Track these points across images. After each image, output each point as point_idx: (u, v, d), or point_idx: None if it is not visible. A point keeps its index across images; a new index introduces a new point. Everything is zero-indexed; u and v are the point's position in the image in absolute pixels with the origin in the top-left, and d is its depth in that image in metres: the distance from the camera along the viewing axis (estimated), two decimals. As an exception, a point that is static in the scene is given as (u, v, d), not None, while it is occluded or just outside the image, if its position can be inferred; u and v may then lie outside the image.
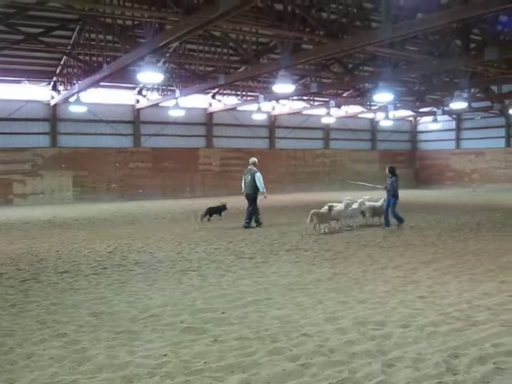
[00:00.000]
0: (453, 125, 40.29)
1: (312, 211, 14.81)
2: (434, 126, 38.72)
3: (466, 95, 27.59)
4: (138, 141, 30.49)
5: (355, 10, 15.43)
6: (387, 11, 12.92)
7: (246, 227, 16.08)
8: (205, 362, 5.22)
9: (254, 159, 16.69)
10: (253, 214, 16.45)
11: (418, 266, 9.96)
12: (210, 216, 18.49)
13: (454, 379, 4.78)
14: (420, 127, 43.03)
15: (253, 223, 16.52)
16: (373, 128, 40.60)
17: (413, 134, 43.28)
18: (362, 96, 29.89)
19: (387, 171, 16.18)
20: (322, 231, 14.91)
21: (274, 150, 35.40)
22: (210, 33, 19.03)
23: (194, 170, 32.17)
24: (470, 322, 6.44)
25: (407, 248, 12.13)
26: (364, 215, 16.33)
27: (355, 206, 15.74)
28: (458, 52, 17.71)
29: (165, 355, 5.41)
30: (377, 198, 16.76)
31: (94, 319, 6.70)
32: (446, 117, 38.82)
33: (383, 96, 21.54)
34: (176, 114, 28.38)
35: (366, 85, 27.60)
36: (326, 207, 14.87)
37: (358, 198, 16.27)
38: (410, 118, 42.13)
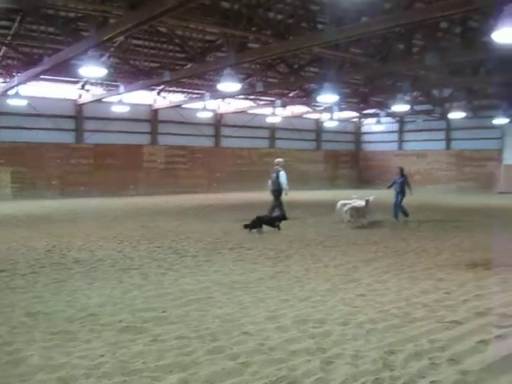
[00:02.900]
0: (395, 127, 41.16)
1: (349, 206, 16.04)
2: (377, 127, 39.51)
3: (408, 98, 28.23)
4: (81, 136, 29.86)
5: (302, 11, 15.55)
6: (332, 14, 13.09)
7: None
8: (143, 362, 5.14)
9: (279, 159, 17.84)
10: (275, 208, 17.37)
11: (359, 265, 10.12)
12: (260, 227, 14.76)
13: (390, 375, 4.86)
14: (364, 128, 43.78)
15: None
16: (318, 128, 41.03)
17: (357, 135, 43.99)
18: (307, 96, 30.15)
19: (397, 171, 18.13)
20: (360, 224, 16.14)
21: (220, 149, 35.34)
22: (155, 28, 18.78)
23: (138, 167, 31.71)
24: (408, 319, 6.58)
25: (349, 247, 12.31)
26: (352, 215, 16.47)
27: (362, 203, 16.50)
28: (400, 56, 18.09)
29: (102, 355, 5.29)
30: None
31: (30, 319, 6.49)
32: (389, 119, 39.63)
33: (328, 97, 21.77)
34: (120, 109, 27.87)
35: (312, 85, 27.83)
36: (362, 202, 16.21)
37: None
38: (355, 120, 42.80)
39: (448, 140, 38.13)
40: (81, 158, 29.70)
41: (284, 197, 17.51)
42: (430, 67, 19.00)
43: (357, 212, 16.24)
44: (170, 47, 20.56)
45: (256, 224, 14.58)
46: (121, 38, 18.06)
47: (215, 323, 6.36)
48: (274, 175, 17.47)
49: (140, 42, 20.09)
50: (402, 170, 18.30)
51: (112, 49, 20.23)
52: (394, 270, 9.70)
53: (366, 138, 43.75)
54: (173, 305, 7.17)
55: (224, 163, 35.10)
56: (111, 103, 27.97)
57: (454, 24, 16.76)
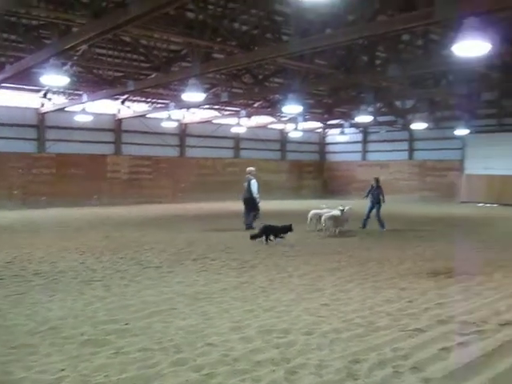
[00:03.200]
0: (359, 137, 41.58)
1: (328, 215, 16.39)
2: (341, 138, 39.76)
3: (371, 109, 28.57)
4: (43, 146, 29.36)
5: (266, 23, 15.63)
6: (297, 25, 13.18)
7: (249, 227, 17.33)
8: (105, 376, 5.06)
9: (251, 168, 18.49)
10: (254, 216, 17.85)
11: (324, 274, 10.16)
12: (267, 237, 14.52)
13: (354, 384, 4.89)
14: (328, 139, 44.09)
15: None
16: (282, 139, 41.18)
17: (321, 145, 44.27)
18: (272, 107, 30.25)
19: (374, 182, 18.67)
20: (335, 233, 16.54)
21: (185, 159, 35.17)
22: (119, 38, 18.65)
23: (102, 177, 31.29)
24: (371, 328, 6.63)
25: (313, 256, 12.35)
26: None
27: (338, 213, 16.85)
28: (364, 67, 18.32)
29: (63, 369, 5.20)
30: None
31: (-12, 333, 6.35)
32: (352, 129, 39.95)
33: (292, 107, 21.89)
34: (83, 119, 27.55)
35: (276, 96, 27.95)
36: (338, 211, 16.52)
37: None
38: (319, 130, 43.10)
39: (411, 150, 38.65)
40: (43, 168, 29.19)
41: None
42: (392, 79, 19.28)
43: (335, 221, 16.51)
44: (135, 56, 20.43)
45: (263, 233, 14.46)
46: (84, 47, 17.84)
47: (179, 335, 6.30)
48: (246, 184, 17.90)
49: (104, 51, 19.88)
50: (378, 180, 18.79)
51: (75, 57, 19.98)
52: (358, 279, 9.77)
53: (330, 148, 44.06)
54: (136, 317, 7.08)
55: (188, 173, 34.93)
56: (74, 112, 27.62)
57: (416, 36, 17.04)
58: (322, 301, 8.01)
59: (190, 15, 15.12)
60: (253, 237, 14.53)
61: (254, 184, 17.69)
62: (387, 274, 10.29)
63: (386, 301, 8.08)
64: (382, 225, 18.25)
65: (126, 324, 6.73)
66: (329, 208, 17.59)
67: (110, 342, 6.03)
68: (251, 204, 17.87)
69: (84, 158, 30.36)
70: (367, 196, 18.92)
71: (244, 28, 15.23)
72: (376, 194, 18.50)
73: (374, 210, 18.48)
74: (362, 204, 19.33)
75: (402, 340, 6.17)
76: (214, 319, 6.98)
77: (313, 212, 17.43)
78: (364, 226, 18.33)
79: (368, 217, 18.52)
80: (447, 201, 34.65)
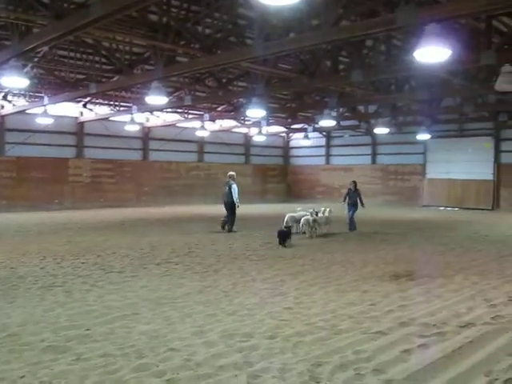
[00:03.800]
0: (323, 141, 41.83)
1: (311, 218, 16.87)
2: (305, 142, 39.92)
3: (334, 114, 28.82)
4: (2, 149, 28.72)
5: (230, 26, 15.63)
6: (260, 29, 13.20)
7: (230, 231, 18.07)
8: (65, 382, 5.00)
9: (231, 173, 19.03)
10: (234, 220, 18.37)
11: (287, 278, 10.18)
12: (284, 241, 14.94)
13: (316, 388, 4.90)
14: (292, 143, 44.24)
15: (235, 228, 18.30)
16: (246, 142, 41.19)
17: (285, 149, 44.42)
18: (235, 111, 30.27)
19: (351, 186, 19.32)
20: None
21: (148, 162, 34.88)
22: (81, 39, 18.42)
23: (64, 180, 30.78)
24: (334, 331, 6.66)
25: (277, 260, 12.37)
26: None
27: (321, 215, 17.64)
28: (327, 72, 18.45)
29: (22, 377, 5.10)
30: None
31: None
32: (316, 134, 40.20)
33: (256, 111, 21.92)
34: (44, 121, 27.11)
35: (240, 100, 27.97)
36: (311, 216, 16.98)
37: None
38: (283, 134, 43.22)
39: (374, 155, 39.06)
40: (2, 172, 28.57)
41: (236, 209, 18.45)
42: (355, 84, 19.48)
43: (313, 224, 17.03)
44: (97, 59, 20.18)
45: (282, 237, 14.86)
46: (45, 48, 17.60)
47: (141, 340, 6.24)
48: (227, 188, 18.46)
49: (65, 53, 19.62)
50: (355, 184, 19.48)
51: (36, 59, 19.67)
52: (321, 282, 9.82)
53: (294, 152, 44.23)
54: (97, 322, 6.99)
55: (152, 177, 34.65)
56: (35, 115, 27.14)
57: (379, 42, 17.25)
58: (285, 304, 8.03)
59: (154, 18, 15.03)
60: (282, 241, 14.81)
61: (235, 189, 18.23)
62: (350, 277, 10.37)
63: (348, 304, 8.14)
64: (352, 227, 18.89)
65: (88, 330, 6.64)
66: (305, 211, 17.84)
67: (70, 349, 5.93)
68: (232, 208, 18.31)
69: (45, 162, 29.82)
70: (345, 200, 19.56)
71: (207, 31, 15.19)
72: (353, 197, 19.11)
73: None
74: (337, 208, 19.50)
75: (364, 343, 6.22)
76: (177, 324, 6.93)
77: (289, 215, 17.47)
78: (351, 228, 18.96)
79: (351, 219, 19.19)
80: (409, 205, 35.14)
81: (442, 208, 34.04)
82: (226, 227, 18.40)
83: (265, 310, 7.69)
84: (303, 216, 17.32)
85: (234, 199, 18.13)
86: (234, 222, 18.48)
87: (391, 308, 7.89)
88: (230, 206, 18.37)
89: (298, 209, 18.73)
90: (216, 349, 5.93)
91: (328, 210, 18.07)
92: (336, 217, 18.96)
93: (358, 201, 19.11)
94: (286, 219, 17.18)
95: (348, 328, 6.81)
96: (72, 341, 6.20)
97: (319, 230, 17.53)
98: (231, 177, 18.83)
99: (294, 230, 16.47)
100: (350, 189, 19.41)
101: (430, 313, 7.64)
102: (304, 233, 17.10)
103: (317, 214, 17.32)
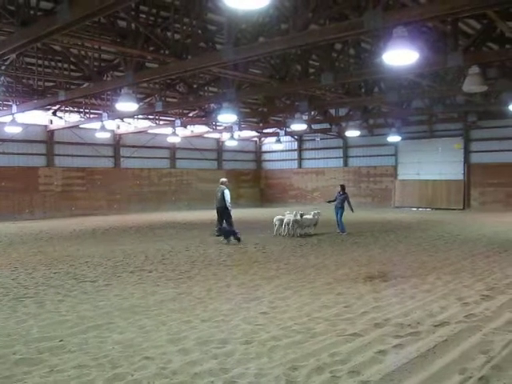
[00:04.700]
0: (295, 145, 42.01)
1: (292, 219, 18.19)
2: (277, 146, 40.00)
3: (305, 117, 28.92)
4: (-29, 159, 28.36)
5: (199, 31, 15.59)
6: (229, 34, 13.18)
7: (218, 235, 17.83)
8: (38, 395, 4.90)
9: (223, 179, 19.48)
10: (232, 223, 18.59)
11: (261, 283, 10.17)
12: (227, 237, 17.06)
13: (293, 392, 4.90)
14: (264, 147, 44.33)
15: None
16: (219, 148, 41.13)
17: (257, 153, 44.47)
18: (207, 116, 30.18)
19: (339, 188, 20.09)
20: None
21: (119, 170, 34.61)
22: (49, 46, 18.21)
23: (34, 190, 30.38)
24: (310, 334, 6.67)
25: (251, 265, 12.34)
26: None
27: (309, 217, 18.82)
28: (297, 76, 18.52)
29: (-7, 391, 5.00)
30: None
31: None
32: (288, 137, 40.41)
33: (227, 116, 21.92)
34: (13, 130, 26.68)
35: (211, 105, 27.92)
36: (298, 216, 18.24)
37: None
38: (255, 139, 43.29)
39: (345, 157, 39.31)
40: (-29, 181, 28.16)
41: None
42: (326, 87, 19.58)
43: (293, 224, 18.28)
44: (65, 66, 19.98)
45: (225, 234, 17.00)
46: (12, 56, 17.37)
47: (115, 349, 6.17)
48: (220, 194, 18.70)
49: (33, 60, 19.39)
50: (343, 187, 20.19)
51: (3, 67, 19.41)
52: (295, 286, 9.83)
53: (266, 156, 44.32)
54: (71, 332, 6.89)
55: (124, 184, 34.40)
56: (3, 123, 26.75)
57: (348, 46, 17.36)
58: (260, 309, 8.02)
59: (122, 24, 14.92)
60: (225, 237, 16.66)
61: (227, 194, 18.55)
62: (324, 280, 10.40)
63: (323, 306, 8.17)
64: (342, 229, 19.43)
65: (61, 341, 6.54)
66: (292, 214, 18.67)
67: (43, 360, 5.84)
68: (226, 213, 18.58)
69: (15, 171, 29.41)
70: (332, 201, 20.38)
71: (177, 37, 15.13)
72: (340, 200, 19.68)
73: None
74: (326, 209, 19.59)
75: (339, 345, 6.24)
76: (152, 332, 6.87)
77: (277, 217, 18.98)
78: (343, 230, 19.40)
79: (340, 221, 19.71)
80: (382, 206, 35.49)
81: (414, 209, 34.42)
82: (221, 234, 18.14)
83: (240, 315, 7.66)
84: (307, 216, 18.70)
85: (227, 203, 18.41)
86: (232, 224, 18.69)
87: (366, 309, 7.93)
88: (223, 211, 18.64)
89: (287, 212, 19.42)
90: (191, 356, 5.89)
91: (316, 212, 19.12)
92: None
93: (346, 204, 19.65)
94: (274, 221, 18.91)
95: (323, 331, 6.82)
96: (45, 353, 6.10)
97: (301, 230, 18.57)
98: (223, 183, 19.19)
99: (284, 233, 18.50)
100: (339, 192, 20.07)
101: (404, 313, 7.70)
102: (289, 234, 18.42)
103: (301, 216, 18.26)
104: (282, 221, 18.77)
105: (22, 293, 9.55)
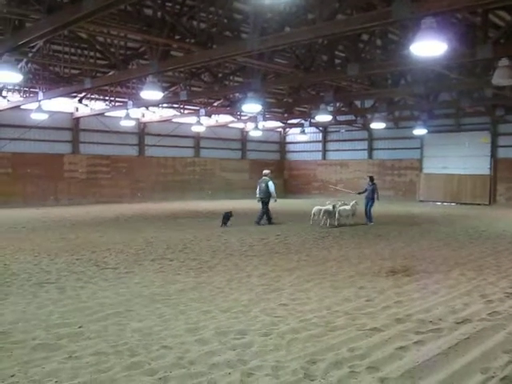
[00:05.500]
0: (319, 137, 41.76)
1: (323, 209, 18.90)
2: (301, 137, 39.83)
3: (331, 109, 28.71)
4: (-3, 145, 28.68)
5: (225, 21, 15.51)
6: (255, 23, 13.08)
7: (257, 223, 19.43)
8: (56, 381, 4.93)
9: (267, 171, 20.55)
10: (264, 214, 19.76)
11: (282, 274, 10.12)
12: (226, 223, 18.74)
13: (310, 385, 4.84)
14: (289, 138, 44.15)
15: (264, 221, 19.70)
16: (243, 138, 41.08)
17: (282, 144, 44.33)
18: (231, 106, 30.11)
19: (368, 180, 20.98)
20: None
21: (144, 158, 34.76)
22: (76, 34, 18.29)
23: (59, 177, 30.65)
24: (329, 328, 6.60)
25: (272, 256, 12.30)
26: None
27: (348, 207, 19.50)
28: (323, 67, 18.36)
29: (12, 376, 5.03)
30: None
31: None
32: (313, 129, 40.16)
33: (252, 106, 21.79)
34: (39, 117, 26.90)
35: (236, 95, 27.85)
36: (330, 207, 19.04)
37: None
38: (279, 129, 43.15)
39: (370, 150, 38.99)
40: (-3, 168, 28.49)
41: (273, 203, 19.95)
42: (351, 78, 19.37)
43: (324, 214, 18.84)
44: (91, 53, 20.05)
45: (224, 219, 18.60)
46: (39, 43, 17.46)
47: (134, 337, 6.17)
48: (264, 185, 19.69)
49: (60, 48, 19.49)
50: (372, 178, 20.97)
51: (30, 54, 19.53)
52: (317, 278, 9.75)
53: (290, 147, 44.13)
54: (90, 319, 6.91)
55: (148, 173, 34.55)
56: (30, 110, 26.99)
57: (375, 36, 17.14)
58: (280, 301, 7.96)
59: (148, 12, 14.90)
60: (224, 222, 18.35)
61: (271, 185, 19.49)
62: (346, 273, 10.30)
63: (344, 300, 8.08)
64: (369, 219, 20.03)
65: (80, 327, 6.57)
66: (330, 204, 19.37)
67: (62, 346, 5.86)
68: (266, 203, 19.66)
69: (40, 158, 29.71)
70: (362, 193, 21.07)
71: (202, 26, 15.06)
72: (370, 191, 20.37)
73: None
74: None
75: (359, 339, 6.16)
76: (171, 321, 6.86)
77: (316, 208, 19.26)
78: (370, 220, 20.09)
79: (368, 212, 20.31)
80: (406, 200, 35.14)
81: (438, 203, 34.03)
82: (262, 221, 19.66)
83: (259, 306, 7.62)
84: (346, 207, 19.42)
85: (272, 194, 19.38)
86: (267, 215, 19.75)
87: (387, 304, 7.83)
88: (265, 201, 19.59)
89: (327, 202, 20.01)
90: (209, 346, 5.86)
91: (354, 202, 19.74)
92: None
93: (375, 194, 20.32)
94: (313, 211, 19.20)
95: (343, 325, 6.74)
96: (64, 339, 6.12)
97: (333, 221, 18.92)
98: (266, 174, 20.08)
99: (321, 223, 18.92)
100: (368, 183, 20.80)
101: (426, 309, 7.59)
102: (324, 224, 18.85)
103: (334, 207, 18.97)
104: (320, 211, 19.08)
105: (43, 278, 9.63)
